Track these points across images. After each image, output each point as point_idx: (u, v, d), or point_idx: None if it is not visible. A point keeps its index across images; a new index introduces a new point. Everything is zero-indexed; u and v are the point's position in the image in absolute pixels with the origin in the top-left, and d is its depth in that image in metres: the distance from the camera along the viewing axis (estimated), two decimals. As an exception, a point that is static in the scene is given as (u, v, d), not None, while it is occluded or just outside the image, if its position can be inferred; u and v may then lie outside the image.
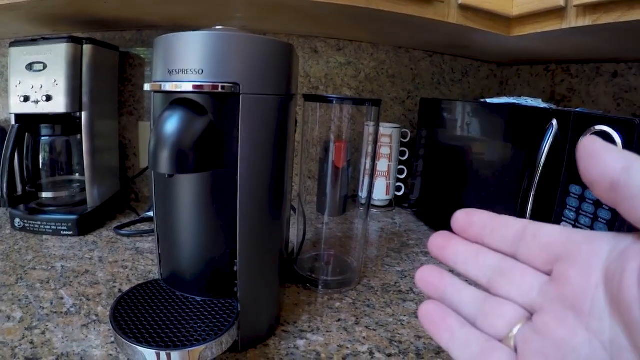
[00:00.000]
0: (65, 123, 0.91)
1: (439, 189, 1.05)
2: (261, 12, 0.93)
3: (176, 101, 0.44)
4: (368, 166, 0.73)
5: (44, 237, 0.86)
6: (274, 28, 1.14)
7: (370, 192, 0.75)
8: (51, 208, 0.90)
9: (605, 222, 0.60)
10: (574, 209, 0.65)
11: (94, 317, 0.58)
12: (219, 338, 0.44)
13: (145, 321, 0.45)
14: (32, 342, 0.51)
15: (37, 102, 0.83)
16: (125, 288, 0.66)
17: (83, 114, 0.88)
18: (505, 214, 0.26)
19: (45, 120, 0.89)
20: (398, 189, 1.25)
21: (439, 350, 0.55)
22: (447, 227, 0.28)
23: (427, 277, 0.27)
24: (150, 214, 0.99)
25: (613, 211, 0.59)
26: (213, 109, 0.44)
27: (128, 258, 0.78)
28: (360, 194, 0.76)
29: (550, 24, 0.81)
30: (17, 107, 0.84)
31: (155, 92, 0.48)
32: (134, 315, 0.46)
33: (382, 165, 1.19)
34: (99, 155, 0.94)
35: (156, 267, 0.57)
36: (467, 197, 0.94)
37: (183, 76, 0.44)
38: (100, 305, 0.61)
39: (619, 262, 0.18)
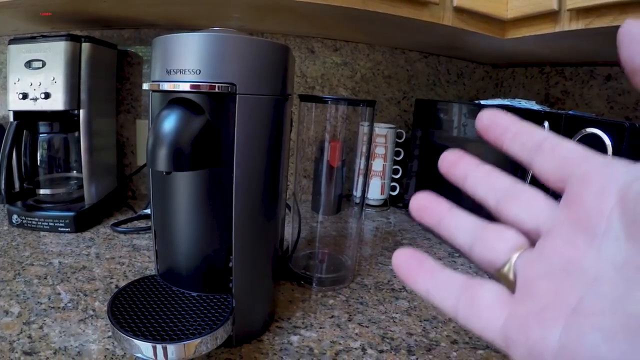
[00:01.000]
0: (64, 120, 0.91)
1: (433, 189, 1.06)
2: (258, 12, 0.93)
3: (174, 100, 0.45)
4: (362, 166, 0.75)
5: (42, 233, 0.86)
6: (271, 28, 1.14)
7: (364, 192, 0.76)
8: (49, 205, 0.91)
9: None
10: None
11: (91, 312, 0.59)
12: (214, 332, 0.45)
13: (142, 315, 0.46)
14: (30, 337, 0.52)
15: (35, 99, 0.83)
16: (122, 284, 0.67)
17: (81, 111, 0.88)
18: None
19: (44, 118, 0.90)
20: (393, 188, 1.26)
21: (430, 347, 0.57)
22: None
23: (423, 202, 0.26)
24: (147, 211, 1.00)
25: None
26: (210, 108, 0.45)
27: (125, 254, 0.79)
28: (354, 193, 0.77)
29: (544, 27, 0.82)
30: (16, 104, 0.84)
31: (154, 91, 0.49)
32: (131, 309, 0.47)
33: (377, 165, 1.20)
34: (97, 152, 0.95)
35: (152, 263, 0.58)
36: (460, 198, 0.95)
37: (181, 76, 0.45)
38: (97, 301, 0.62)
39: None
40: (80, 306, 0.60)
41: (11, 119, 0.85)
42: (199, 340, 0.43)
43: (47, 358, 0.48)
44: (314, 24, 1.03)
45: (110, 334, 0.53)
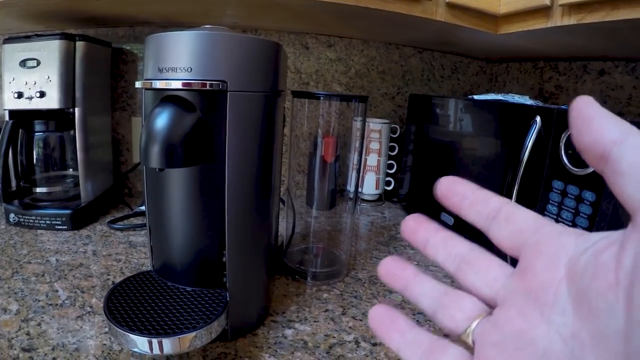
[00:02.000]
0: (59, 119, 0.92)
1: (427, 183, 1.07)
2: (251, 9, 0.94)
3: (166, 98, 0.45)
4: (355, 161, 0.75)
5: (39, 231, 0.87)
6: (265, 25, 1.15)
7: (357, 187, 0.76)
8: (45, 203, 0.91)
9: (586, 216, 0.62)
10: (557, 204, 0.67)
11: (89, 309, 0.59)
12: (208, 326, 0.45)
13: (138, 310, 0.47)
14: (28, 334, 0.52)
15: (30, 98, 0.84)
16: (119, 280, 0.68)
17: (76, 109, 0.89)
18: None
19: (39, 116, 0.90)
20: (387, 183, 1.27)
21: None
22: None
23: (390, 268, 0.27)
24: (143, 208, 1.00)
25: (594, 206, 0.61)
26: (202, 105, 0.46)
27: (121, 251, 0.80)
28: (348, 188, 0.78)
29: (536, 22, 0.82)
30: (11, 103, 0.85)
31: (146, 89, 0.50)
32: (127, 305, 0.48)
33: (372, 160, 1.21)
34: (92, 150, 0.95)
35: (149, 259, 0.59)
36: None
37: (173, 74, 0.45)
38: (94, 297, 0.63)
39: (591, 255, 0.18)
40: (77, 303, 0.61)
41: (7, 118, 0.86)
42: (193, 334, 0.44)
43: (46, 354, 0.49)
44: (307, 21, 1.03)
45: (107, 329, 0.54)
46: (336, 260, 0.79)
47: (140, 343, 0.43)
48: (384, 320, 0.26)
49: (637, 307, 0.15)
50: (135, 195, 1.19)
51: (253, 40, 0.48)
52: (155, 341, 0.42)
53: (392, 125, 1.24)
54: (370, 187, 1.24)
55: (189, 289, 0.53)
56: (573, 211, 0.64)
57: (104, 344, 0.51)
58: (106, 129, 1.08)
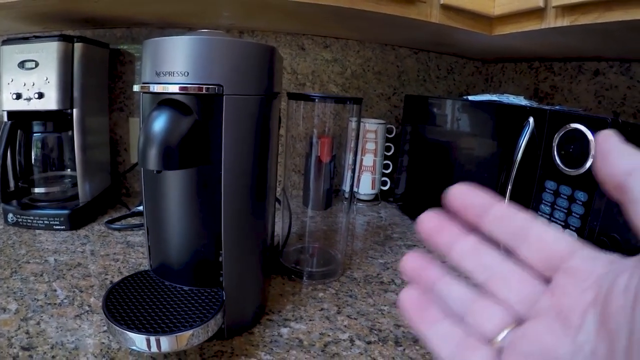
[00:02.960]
0: (57, 120, 0.92)
1: (423, 183, 1.08)
2: (248, 11, 0.94)
3: (163, 102, 0.46)
4: (351, 161, 0.76)
5: (37, 231, 0.88)
6: (261, 26, 1.15)
7: (352, 186, 0.77)
8: (43, 203, 0.92)
9: (578, 216, 0.63)
10: (549, 204, 0.68)
11: (87, 308, 0.60)
12: (205, 324, 0.46)
13: (136, 309, 0.48)
14: (27, 333, 0.53)
15: (29, 99, 0.84)
16: (117, 280, 0.68)
17: (74, 110, 0.89)
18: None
19: (37, 117, 0.90)
20: (384, 183, 1.28)
21: (417, 338, 0.58)
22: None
23: (415, 267, 0.26)
24: (141, 208, 1.00)
25: (587, 206, 0.62)
26: (198, 109, 0.47)
27: (119, 251, 0.81)
28: (343, 188, 0.79)
29: (530, 24, 0.83)
30: (10, 104, 0.85)
31: (144, 93, 0.50)
32: (125, 304, 0.49)
33: (368, 160, 1.22)
34: (90, 151, 0.96)
35: (146, 259, 0.59)
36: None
37: (170, 78, 0.46)
38: (92, 297, 0.63)
39: (610, 279, 0.19)
40: (76, 302, 0.61)
41: (5, 119, 0.86)
42: (190, 332, 0.45)
43: (45, 353, 0.49)
44: (303, 22, 1.04)
45: (105, 328, 0.55)
46: (332, 260, 0.80)
47: (139, 341, 0.43)
48: (417, 305, 0.25)
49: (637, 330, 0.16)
50: (133, 195, 1.20)
51: (248, 44, 0.49)
52: (153, 339, 0.43)
53: (388, 126, 1.25)
54: (366, 187, 1.24)
55: (186, 288, 0.54)
56: (566, 211, 0.65)
57: (103, 343, 0.52)
58: (104, 129, 1.09)
